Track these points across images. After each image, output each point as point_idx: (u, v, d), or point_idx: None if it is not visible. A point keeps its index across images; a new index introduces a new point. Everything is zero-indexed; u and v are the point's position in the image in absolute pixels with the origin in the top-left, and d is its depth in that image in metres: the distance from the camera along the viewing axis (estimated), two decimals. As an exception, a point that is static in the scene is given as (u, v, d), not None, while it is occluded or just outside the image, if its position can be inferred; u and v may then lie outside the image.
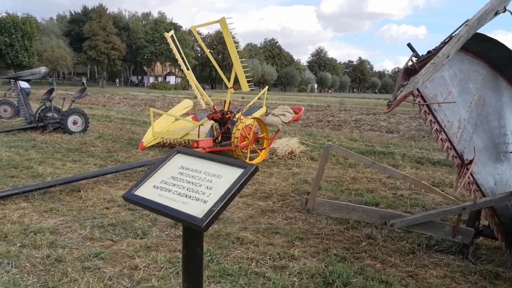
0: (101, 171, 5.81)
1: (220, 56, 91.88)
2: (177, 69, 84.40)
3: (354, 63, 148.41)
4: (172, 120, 9.33)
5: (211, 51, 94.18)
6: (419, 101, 3.01)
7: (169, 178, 1.97)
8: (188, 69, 7.83)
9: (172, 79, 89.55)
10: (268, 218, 4.57)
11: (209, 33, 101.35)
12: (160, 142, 8.80)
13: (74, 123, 10.72)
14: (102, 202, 4.93)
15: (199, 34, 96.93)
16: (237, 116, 7.95)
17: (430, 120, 3.10)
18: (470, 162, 3.13)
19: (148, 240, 3.77)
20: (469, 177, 3.18)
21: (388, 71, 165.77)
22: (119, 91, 47.76)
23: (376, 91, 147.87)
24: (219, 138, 7.84)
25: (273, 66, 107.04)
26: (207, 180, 1.85)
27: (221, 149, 7.34)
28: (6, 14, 47.80)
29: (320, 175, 3.91)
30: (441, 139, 3.13)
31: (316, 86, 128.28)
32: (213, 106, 7.98)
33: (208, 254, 3.48)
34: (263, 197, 5.41)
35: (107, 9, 76.86)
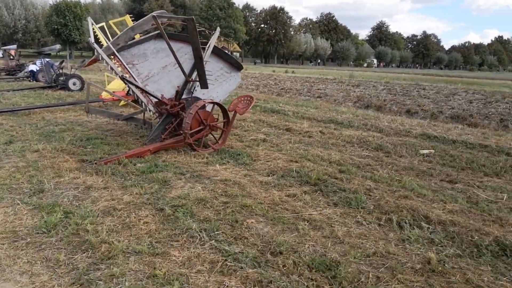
0: (45, 105, 10.48)
1: (272, 31, 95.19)
2: (230, 45, 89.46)
3: (418, 37, 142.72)
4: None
5: (265, 26, 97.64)
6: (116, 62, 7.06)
7: None
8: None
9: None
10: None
11: (263, 8, 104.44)
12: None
13: (74, 84, 15.69)
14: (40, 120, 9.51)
15: (254, 8, 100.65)
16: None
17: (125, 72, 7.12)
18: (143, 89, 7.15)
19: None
20: (146, 96, 7.20)
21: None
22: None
23: (442, 66, 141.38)
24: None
25: (328, 40, 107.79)
26: None
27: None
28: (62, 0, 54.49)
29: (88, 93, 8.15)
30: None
31: (375, 61, 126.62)
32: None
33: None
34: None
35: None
